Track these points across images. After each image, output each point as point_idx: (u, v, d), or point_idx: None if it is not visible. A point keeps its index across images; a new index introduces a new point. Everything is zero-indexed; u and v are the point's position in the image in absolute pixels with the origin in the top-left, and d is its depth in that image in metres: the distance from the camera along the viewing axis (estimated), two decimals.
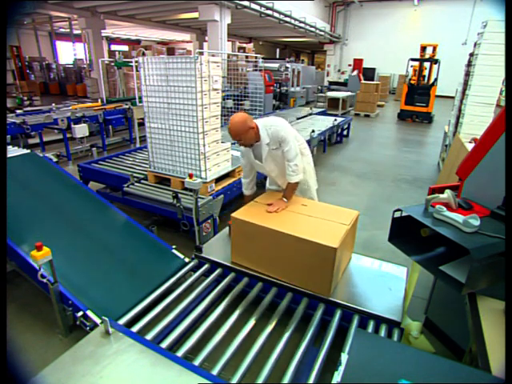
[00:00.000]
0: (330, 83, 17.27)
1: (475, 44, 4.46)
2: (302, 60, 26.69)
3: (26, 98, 9.86)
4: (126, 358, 1.42)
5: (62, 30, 17.97)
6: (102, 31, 12.76)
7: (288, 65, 11.57)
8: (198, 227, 2.84)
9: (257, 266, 2.30)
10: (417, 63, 11.33)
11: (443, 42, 14.14)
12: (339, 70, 21.81)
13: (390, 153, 7.21)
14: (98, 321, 1.89)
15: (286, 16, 12.54)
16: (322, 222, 2.20)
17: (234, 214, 2.26)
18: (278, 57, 25.67)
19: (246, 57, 9.23)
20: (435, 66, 11.08)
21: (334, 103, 11.32)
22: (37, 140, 5.86)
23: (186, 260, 2.63)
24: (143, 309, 2.07)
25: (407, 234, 1.92)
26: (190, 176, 2.66)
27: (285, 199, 2.43)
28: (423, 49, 11.79)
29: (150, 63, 3.22)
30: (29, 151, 3.54)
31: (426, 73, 11.63)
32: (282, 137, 2.36)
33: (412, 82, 11.21)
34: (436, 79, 10.90)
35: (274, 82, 10.54)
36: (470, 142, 3.79)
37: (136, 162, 4.33)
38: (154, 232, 3.00)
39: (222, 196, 3.27)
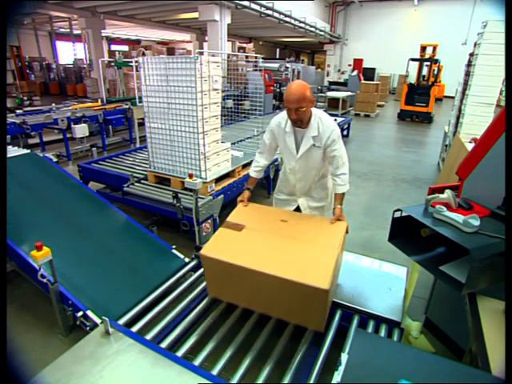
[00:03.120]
0: (330, 83, 17.27)
1: (475, 44, 4.46)
2: (302, 60, 26.68)
3: (26, 98, 9.85)
4: (126, 357, 1.42)
5: (62, 30, 17.95)
6: (102, 31, 12.75)
7: (288, 65, 11.56)
8: (198, 227, 2.84)
9: (240, 302, 2.02)
10: (416, 63, 11.33)
11: (443, 42, 14.14)
12: (339, 70, 21.80)
13: (390, 153, 7.21)
14: (98, 321, 1.89)
15: (286, 16, 12.53)
16: (306, 248, 1.86)
17: (203, 251, 1.89)
18: (277, 57, 25.64)
19: (246, 57, 9.22)
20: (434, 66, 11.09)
21: (334, 103, 11.32)
22: (37, 140, 5.86)
23: (186, 260, 2.63)
24: (143, 309, 2.07)
25: (407, 234, 1.92)
26: (190, 176, 2.66)
27: (339, 211, 2.08)
28: (423, 49, 11.79)
29: (150, 63, 3.22)
30: (29, 151, 3.54)
31: (437, 73, 11.44)
32: (332, 140, 2.04)
33: (423, 82, 11.08)
34: (436, 79, 10.91)
35: (274, 82, 10.54)
36: (469, 142, 3.80)
37: (136, 161, 4.33)
38: (154, 232, 3.01)
39: (221, 196, 3.27)
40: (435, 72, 11.07)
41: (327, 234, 1.96)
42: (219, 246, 1.91)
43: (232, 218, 2.12)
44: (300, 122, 2.01)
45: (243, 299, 1.98)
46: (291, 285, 1.68)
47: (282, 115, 2.14)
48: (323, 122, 2.05)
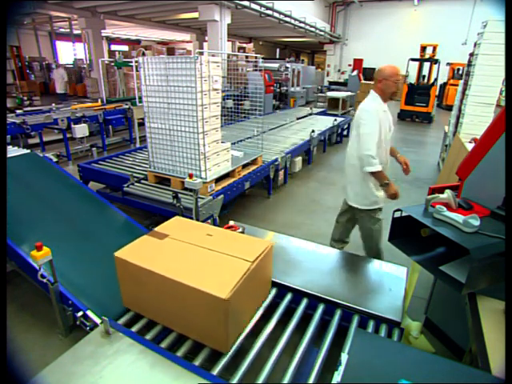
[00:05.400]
0: (330, 83, 17.28)
1: (475, 44, 4.47)
2: (302, 60, 26.68)
3: (26, 98, 9.87)
4: (126, 358, 1.42)
5: (62, 30, 17.95)
6: (102, 31, 12.74)
7: (288, 65, 11.58)
8: None
9: (150, 314, 1.93)
10: (416, 63, 11.31)
11: (443, 42, 14.12)
12: (339, 70, 21.79)
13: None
14: (98, 321, 1.89)
15: (286, 16, 12.52)
16: (220, 260, 1.83)
17: (117, 254, 1.87)
18: (277, 57, 25.64)
19: (246, 57, 9.22)
20: (434, 66, 11.08)
21: (334, 103, 11.30)
22: (37, 140, 5.87)
23: None
24: None
25: (407, 234, 1.93)
26: (190, 176, 2.66)
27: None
28: (423, 49, 11.79)
29: (150, 63, 3.22)
30: (29, 151, 3.54)
31: (461, 73, 11.30)
32: (359, 119, 2.29)
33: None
34: (436, 79, 10.91)
35: (274, 82, 10.56)
36: (469, 142, 3.80)
37: (136, 162, 4.33)
38: None
39: (222, 196, 3.27)
40: (460, 72, 11.00)
41: (248, 248, 1.91)
42: (135, 251, 1.90)
43: (160, 228, 2.15)
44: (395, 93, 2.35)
45: (154, 310, 1.89)
46: (192, 292, 1.62)
47: (371, 102, 2.36)
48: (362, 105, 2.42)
